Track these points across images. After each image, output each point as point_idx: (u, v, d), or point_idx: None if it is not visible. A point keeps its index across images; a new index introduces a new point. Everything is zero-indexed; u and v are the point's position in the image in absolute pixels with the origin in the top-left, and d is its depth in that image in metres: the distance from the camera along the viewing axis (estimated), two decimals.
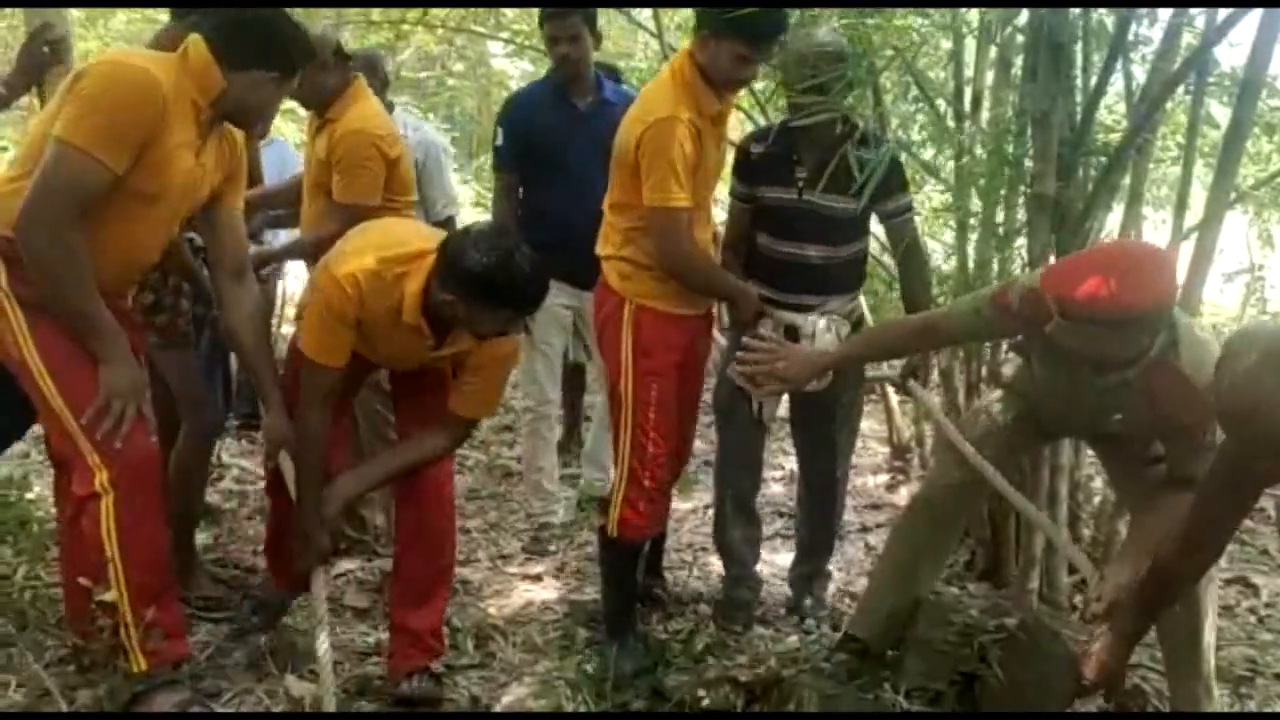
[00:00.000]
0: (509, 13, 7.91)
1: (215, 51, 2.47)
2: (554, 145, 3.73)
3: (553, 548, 3.99)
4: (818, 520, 3.57)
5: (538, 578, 3.74)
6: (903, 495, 4.63)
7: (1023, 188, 3.20)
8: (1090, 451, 3.24)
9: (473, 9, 6.43)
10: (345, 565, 3.60)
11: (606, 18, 10.41)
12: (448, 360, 2.76)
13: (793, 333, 3.22)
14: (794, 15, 3.57)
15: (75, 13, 7.13)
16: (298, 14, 2.94)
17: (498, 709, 2.79)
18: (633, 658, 2.98)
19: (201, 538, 3.68)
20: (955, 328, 2.74)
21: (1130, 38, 3.15)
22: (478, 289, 2.49)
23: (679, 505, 4.27)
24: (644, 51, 11.29)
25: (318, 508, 2.74)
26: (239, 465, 4.60)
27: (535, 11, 3.96)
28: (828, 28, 3.31)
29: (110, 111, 2.32)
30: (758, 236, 3.25)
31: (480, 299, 2.51)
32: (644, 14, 5.15)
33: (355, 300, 2.57)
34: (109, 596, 2.42)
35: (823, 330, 3.18)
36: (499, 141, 3.87)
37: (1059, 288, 2.26)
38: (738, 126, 4.54)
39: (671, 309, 2.98)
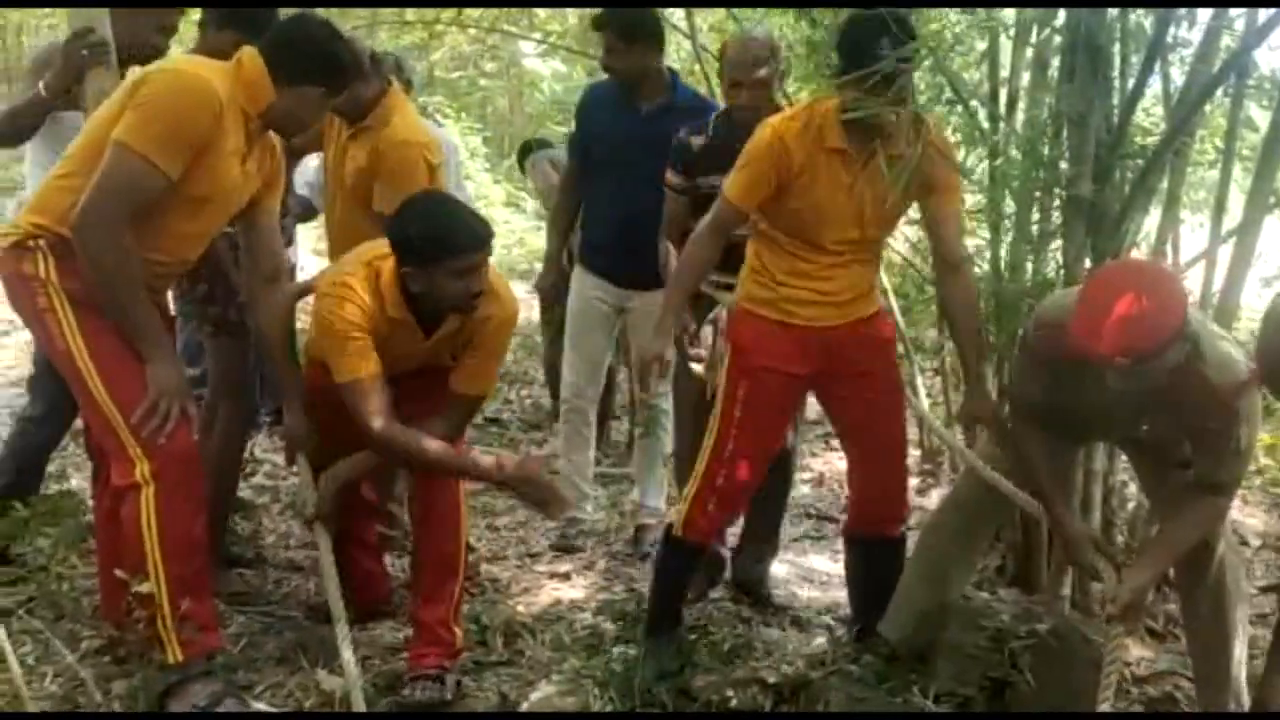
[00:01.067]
0: (541, 13, 7.95)
1: (269, 65, 2.53)
2: (610, 146, 3.75)
3: (580, 544, 4.00)
4: (773, 500, 3.58)
5: (566, 576, 3.75)
6: (933, 499, 4.60)
7: (1058, 190, 3.17)
8: (1125, 456, 3.21)
9: (505, 9, 6.45)
10: None
11: None
12: (446, 348, 2.83)
13: None
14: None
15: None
16: (332, 14, 2.97)
17: (525, 707, 2.80)
18: (661, 660, 2.94)
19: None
20: (1025, 383, 2.68)
21: (1169, 39, 3.11)
22: (422, 250, 2.61)
23: None
24: (677, 53, 11.30)
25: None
26: (271, 461, 4.63)
27: (568, 11, 3.99)
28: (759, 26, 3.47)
29: (170, 119, 2.39)
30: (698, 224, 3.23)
31: (429, 259, 2.60)
32: (677, 15, 5.15)
33: (356, 304, 2.67)
34: (146, 588, 2.45)
35: None
36: (574, 128, 4.02)
37: (1097, 344, 2.20)
38: None
39: (773, 315, 2.88)
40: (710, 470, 2.91)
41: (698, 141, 3.32)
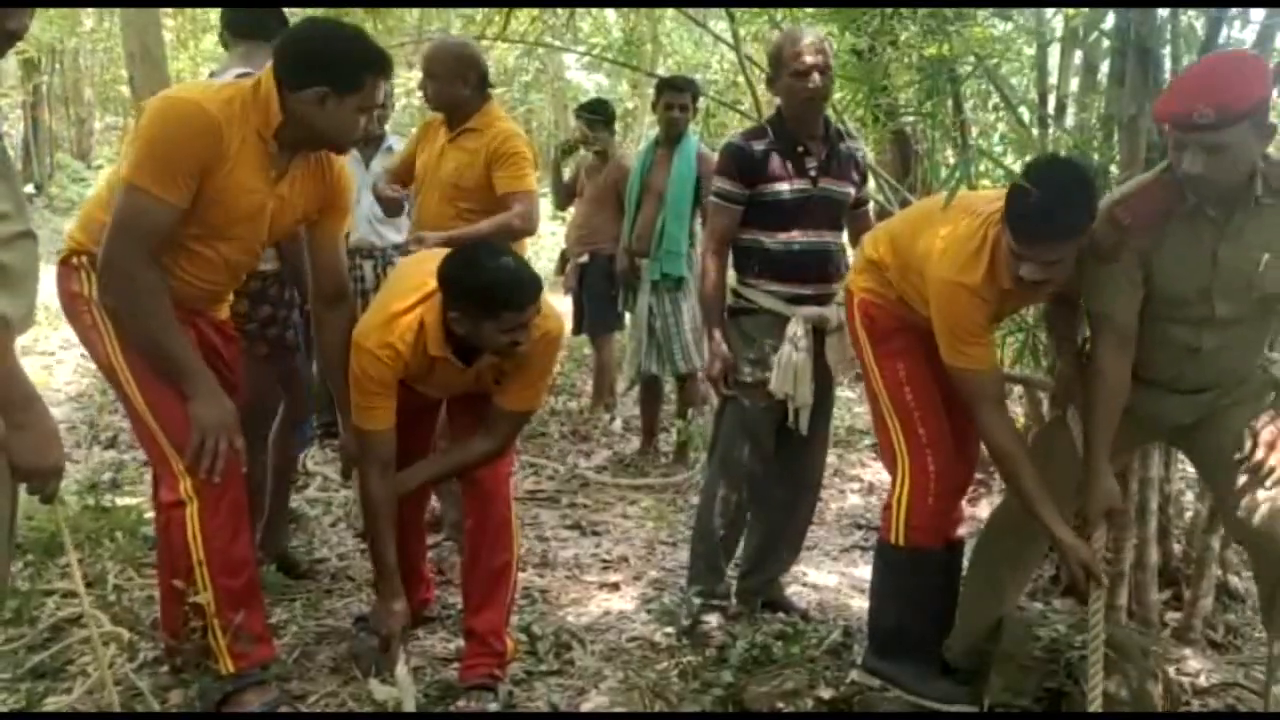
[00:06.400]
0: (585, 25, 7.99)
1: (276, 78, 2.46)
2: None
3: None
4: (800, 519, 3.54)
5: (615, 587, 3.76)
6: (984, 508, 4.55)
7: (1109, 194, 3.14)
8: (1182, 465, 3.15)
9: (549, 22, 6.50)
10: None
11: (680, 32, 10.47)
12: (490, 375, 2.81)
13: (820, 328, 3.22)
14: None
15: (167, 35, 7.35)
16: (380, 33, 3.00)
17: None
18: (937, 684, 2.79)
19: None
20: (1104, 293, 2.54)
21: (1221, 40, 3.07)
22: (474, 301, 2.60)
23: None
24: (720, 64, 11.34)
25: (392, 575, 2.82)
26: (323, 474, 4.68)
27: (612, 23, 4.01)
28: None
29: (165, 148, 2.38)
30: (762, 236, 3.22)
31: (479, 310, 2.60)
32: (720, 26, 5.16)
33: (396, 368, 2.70)
34: (201, 599, 2.48)
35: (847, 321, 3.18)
36: None
37: (1177, 101, 2.28)
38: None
39: (899, 309, 2.84)
40: (917, 462, 2.80)
41: (759, 147, 3.21)
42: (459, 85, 3.56)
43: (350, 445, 2.90)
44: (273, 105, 2.46)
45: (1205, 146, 2.26)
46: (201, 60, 10.01)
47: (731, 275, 3.37)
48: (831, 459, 5.41)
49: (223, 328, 2.78)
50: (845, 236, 3.42)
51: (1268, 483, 2.47)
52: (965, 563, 3.01)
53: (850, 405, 6.38)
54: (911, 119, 4.78)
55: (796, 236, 3.22)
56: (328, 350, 2.87)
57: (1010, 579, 2.88)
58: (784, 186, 3.20)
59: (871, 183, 4.19)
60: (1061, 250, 2.43)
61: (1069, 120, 3.69)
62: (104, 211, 2.47)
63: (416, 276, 2.78)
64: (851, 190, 3.32)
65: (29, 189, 12.38)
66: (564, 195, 6.05)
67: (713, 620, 3.23)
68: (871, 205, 3.54)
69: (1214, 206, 2.40)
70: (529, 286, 2.63)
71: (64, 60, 16.90)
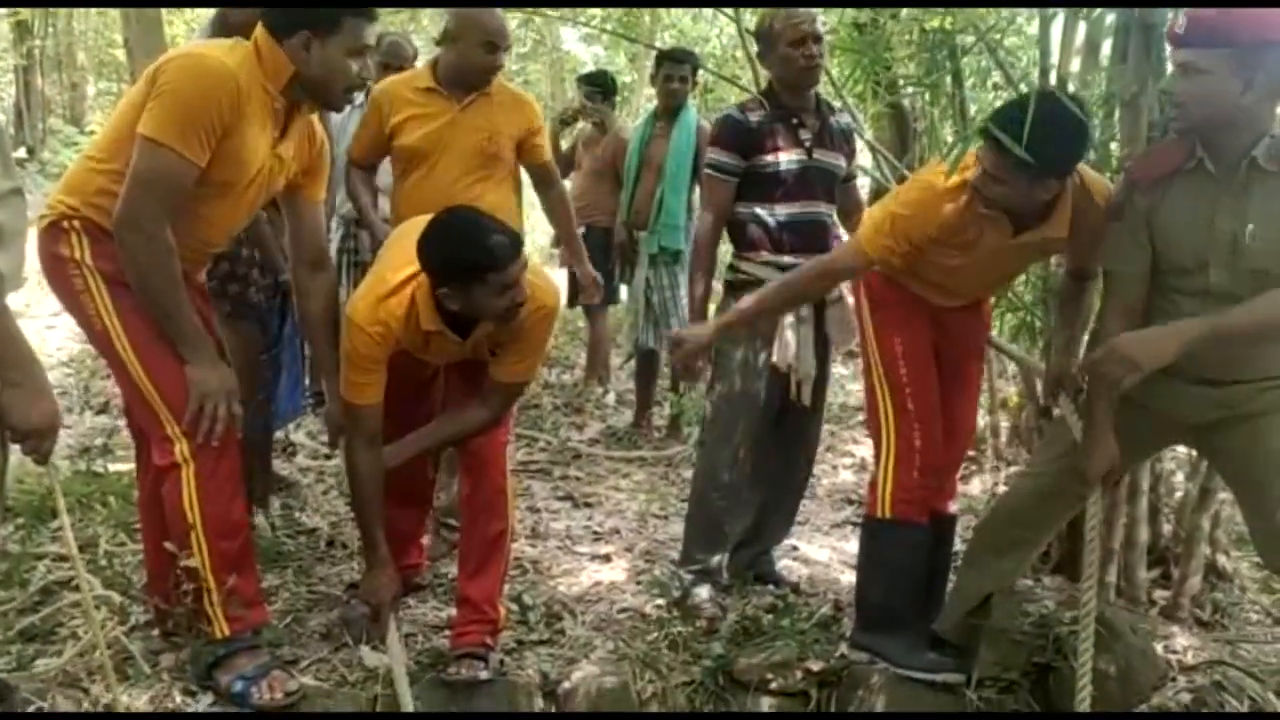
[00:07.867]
0: None
1: (270, 33, 2.46)
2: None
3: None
4: (794, 493, 3.57)
5: (607, 558, 3.76)
6: (975, 485, 4.57)
7: (1109, 172, 3.13)
8: (1180, 449, 3.13)
9: None
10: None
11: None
12: (486, 346, 2.80)
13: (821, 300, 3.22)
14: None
15: None
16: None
17: (566, 686, 2.81)
18: (919, 655, 2.81)
19: (276, 508, 3.82)
20: (1119, 250, 2.51)
21: None
22: (458, 272, 2.56)
23: None
24: (719, 37, 11.28)
25: (379, 546, 2.83)
26: (312, 444, 4.68)
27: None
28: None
29: (191, 106, 2.35)
30: (758, 208, 3.21)
31: (466, 279, 2.56)
32: None
33: (387, 344, 2.68)
34: (193, 562, 2.48)
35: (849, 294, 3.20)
36: None
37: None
38: None
39: (908, 284, 2.85)
40: (903, 436, 2.82)
41: (755, 119, 3.20)
42: (490, 53, 3.41)
43: (335, 415, 2.89)
44: (278, 58, 2.46)
45: (1178, 64, 2.24)
46: (198, 27, 9.95)
47: (729, 250, 3.36)
48: (824, 434, 5.43)
49: (202, 291, 2.76)
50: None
51: None
52: (958, 540, 3.03)
53: (844, 382, 6.39)
54: (910, 93, 4.75)
55: (792, 208, 3.21)
56: (311, 317, 2.85)
57: (1010, 564, 2.88)
58: (781, 158, 3.19)
59: (870, 159, 4.18)
60: (1007, 169, 2.45)
61: None
62: (102, 175, 2.43)
63: (409, 250, 2.75)
64: (844, 162, 3.33)
65: (21, 154, 12.27)
66: (561, 167, 6.01)
67: (703, 592, 3.24)
68: (868, 181, 3.52)
69: (1215, 162, 2.32)
70: (506, 243, 2.58)
71: (57, 24, 16.73)
